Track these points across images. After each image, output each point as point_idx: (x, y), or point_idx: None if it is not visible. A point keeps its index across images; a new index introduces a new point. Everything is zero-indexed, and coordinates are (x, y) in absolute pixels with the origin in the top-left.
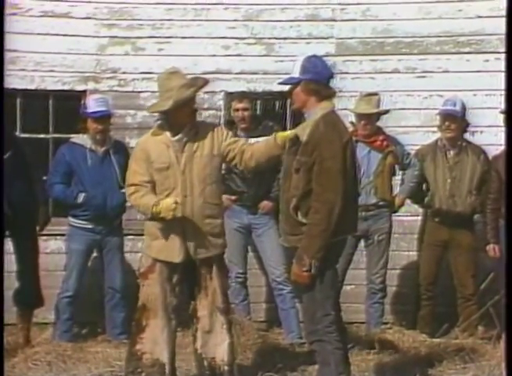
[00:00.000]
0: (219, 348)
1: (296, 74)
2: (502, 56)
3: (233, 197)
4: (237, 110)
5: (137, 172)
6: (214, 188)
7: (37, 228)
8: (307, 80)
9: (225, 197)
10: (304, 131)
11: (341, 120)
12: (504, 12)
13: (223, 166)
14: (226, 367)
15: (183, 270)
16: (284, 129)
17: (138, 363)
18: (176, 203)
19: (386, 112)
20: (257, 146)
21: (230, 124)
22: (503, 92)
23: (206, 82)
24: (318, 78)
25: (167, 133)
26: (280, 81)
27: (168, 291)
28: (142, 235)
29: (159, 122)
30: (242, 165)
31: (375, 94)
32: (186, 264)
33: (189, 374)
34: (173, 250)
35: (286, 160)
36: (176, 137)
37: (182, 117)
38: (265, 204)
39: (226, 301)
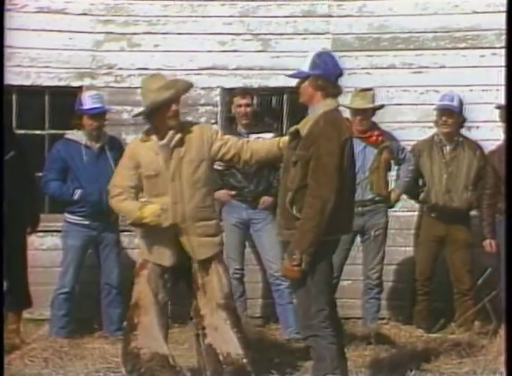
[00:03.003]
0: (231, 345)
1: (305, 69)
2: (498, 52)
3: (232, 192)
4: (240, 105)
5: (123, 176)
6: (205, 191)
7: (29, 228)
8: (315, 75)
9: (224, 192)
10: (305, 125)
11: (343, 118)
12: (501, 8)
13: (221, 163)
14: (245, 360)
15: (177, 269)
16: (281, 126)
17: (136, 360)
18: (162, 209)
19: (381, 107)
20: (258, 148)
21: (229, 120)
22: (503, 87)
23: (188, 85)
24: (326, 75)
25: (154, 138)
26: (290, 73)
27: (160, 288)
28: None
29: (146, 127)
30: (240, 165)
31: (370, 89)
32: (180, 264)
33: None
34: (164, 254)
35: (287, 155)
36: (162, 142)
37: (164, 121)
38: (266, 200)
39: (227, 297)
